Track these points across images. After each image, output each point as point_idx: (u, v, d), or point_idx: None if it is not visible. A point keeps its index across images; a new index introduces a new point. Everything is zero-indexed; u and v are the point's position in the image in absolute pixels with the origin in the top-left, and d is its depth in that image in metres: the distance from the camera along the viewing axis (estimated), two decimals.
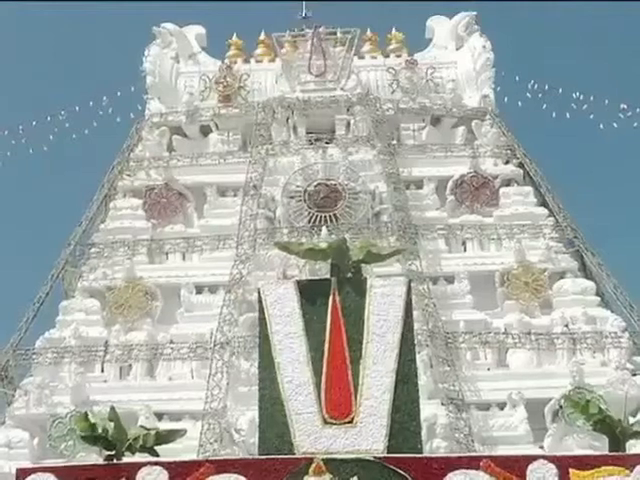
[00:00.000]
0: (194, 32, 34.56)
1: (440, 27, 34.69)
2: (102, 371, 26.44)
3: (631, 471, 11.35)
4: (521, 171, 30.49)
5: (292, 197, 29.01)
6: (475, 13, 34.27)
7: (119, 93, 32.70)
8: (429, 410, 21.08)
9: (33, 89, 61.53)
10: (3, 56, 67.78)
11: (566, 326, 26.30)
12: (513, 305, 26.94)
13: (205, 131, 32.22)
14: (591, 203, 52.01)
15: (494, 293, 27.41)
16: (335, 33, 33.45)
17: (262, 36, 34.60)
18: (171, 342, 26.72)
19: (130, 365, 26.62)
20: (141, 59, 33.06)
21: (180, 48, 33.82)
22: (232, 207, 29.45)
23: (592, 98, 31.33)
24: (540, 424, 24.11)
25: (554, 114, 32.53)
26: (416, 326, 14.87)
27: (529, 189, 29.75)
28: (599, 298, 27.55)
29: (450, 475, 11.34)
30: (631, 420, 12.36)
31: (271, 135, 31.15)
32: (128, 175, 30.82)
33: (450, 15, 34.74)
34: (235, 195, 29.91)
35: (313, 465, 11.36)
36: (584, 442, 18.12)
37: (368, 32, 34.45)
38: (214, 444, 22.90)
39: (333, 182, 29.12)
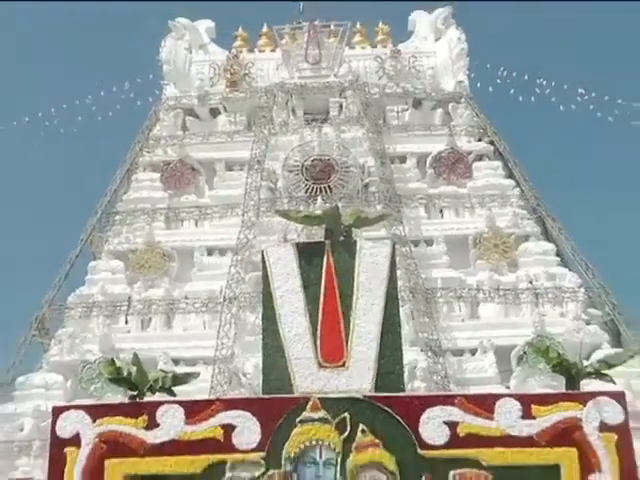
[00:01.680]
0: (204, 26, 34.37)
1: (421, 21, 34.52)
2: (126, 323, 26.53)
3: (584, 406, 11.46)
4: (492, 147, 30.48)
5: (291, 171, 28.98)
6: (451, 8, 34.07)
7: (139, 80, 32.64)
8: (410, 356, 21.17)
9: (64, 76, 61.43)
10: (39, 47, 67.61)
11: (530, 282, 26.47)
12: (484, 265, 27.03)
13: (214, 113, 32.14)
14: (553, 175, 52.11)
15: (467, 254, 27.49)
16: (329, 26, 33.30)
17: (264, 29, 34.41)
18: (186, 298, 26.81)
19: (150, 318, 26.71)
20: (158, 50, 32.94)
21: (192, 40, 33.67)
22: (238, 180, 29.41)
23: (553, 84, 31.34)
24: (507, 367, 24.29)
25: (521, 98, 32.51)
26: (399, 283, 14.90)
27: (498, 163, 29.79)
28: (559, 258, 27.69)
29: (428, 410, 11.42)
30: (585, 363, 12.42)
31: (272, 116, 31.07)
32: (147, 152, 30.79)
33: (430, 10, 34.50)
34: (241, 169, 29.84)
35: (310, 403, 11.45)
36: (544, 382, 18.17)
37: (358, 25, 34.21)
38: (224, 386, 23.04)
39: (327, 157, 29.09)
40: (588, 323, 25.67)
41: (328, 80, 31.51)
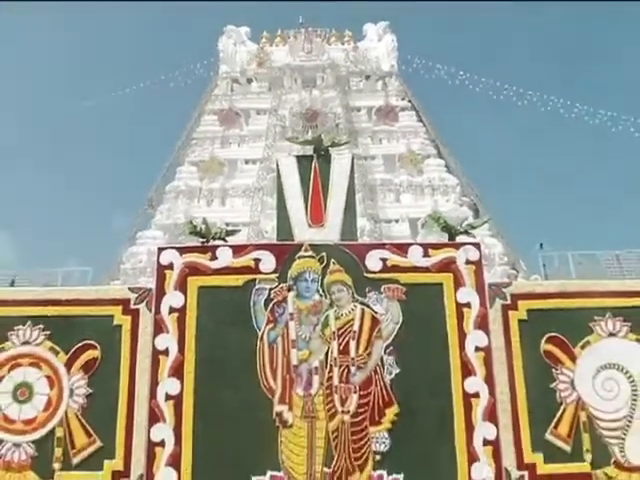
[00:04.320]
0: (244, 30, 33.46)
1: (370, 29, 33.51)
2: (198, 202, 26.63)
3: (458, 250, 11.57)
4: (409, 104, 30.06)
5: (294, 115, 28.62)
6: (388, 22, 33.06)
7: (205, 61, 31.99)
8: (361, 222, 21.01)
9: (158, 61, 59.43)
10: (121, 39, 64.66)
11: (429, 182, 26.52)
12: (404, 172, 27.04)
13: (249, 81, 31.56)
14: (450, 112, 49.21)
15: (395, 164, 27.42)
16: (316, 31, 32.51)
17: (279, 32, 33.51)
18: (233, 188, 26.85)
19: (212, 199, 26.85)
20: (217, 44, 32.19)
21: (236, 37, 32.79)
22: (263, 120, 29.13)
23: (469, 75, 30.47)
24: (415, 231, 24.47)
25: (426, 75, 31.77)
26: (356, 182, 14.63)
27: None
28: (446, 168, 27.66)
29: (370, 252, 11.46)
30: (458, 227, 12.41)
31: (283, 83, 30.49)
32: (210, 104, 30.31)
33: (376, 22, 33.53)
34: (265, 114, 29.53)
35: (303, 247, 11.51)
36: (436, 237, 18.37)
37: (333, 31, 33.31)
38: (254, 239, 23.18)
39: (315, 107, 28.74)
40: (461, 205, 25.81)
41: (316, 63, 30.84)
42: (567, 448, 10.63)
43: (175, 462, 10.39)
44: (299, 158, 12.72)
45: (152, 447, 10.46)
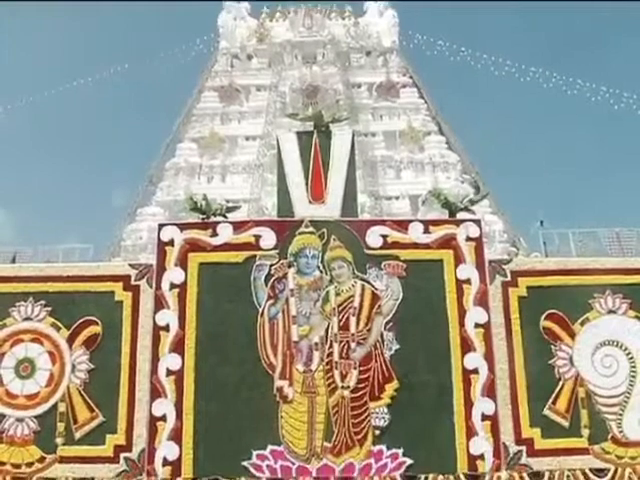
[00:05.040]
0: (244, 5, 33.08)
1: (371, 5, 33.17)
2: (198, 179, 26.53)
3: (458, 227, 11.59)
4: (411, 80, 29.83)
5: (294, 91, 28.43)
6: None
7: (205, 37, 31.66)
8: (361, 199, 20.92)
9: (163, 38, 58.80)
10: (121, 17, 64.00)
11: (430, 159, 26.46)
12: (404, 148, 26.98)
13: (249, 57, 31.22)
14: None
15: (396, 141, 27.31)
16: (317, 6, 32.15)
17: (279, 8, 33.14)
18: (233, 165, 26.77)
19: (212, 176, 26.78)
20: (216, 20, 31.82)
21: (236, 13, 32.40)
22: (263, 96, 28.94)
23: (470, 51, 30.01)
24: (415, 208, 24.44)
25: (428, 52, 31.34)
26: (356, 158, 14.50)
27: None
28: (447, 145, 27.52)
29: (371, 228, 11.48)
30: (459, 205, 12.37)
31: (284, 59, 30.23)
32: (210, 80, 30.06)
33: None
34: (265, 90, 29.32)
35: (304, 223, 11.52)
36: (437, 214, 18.33)
37: (334, 7, 32.94)
38: (254, 216, 23.12)
39: (315, 83, 28.54)
40: (462, 182, 25.76)
41: (316, 38, 30.50)
42: (565, 423, 10.75)
43: (177, 436, 10.53)
44: (299, 134, 12.64)
45: (154, 422, 10.59)
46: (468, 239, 11.42)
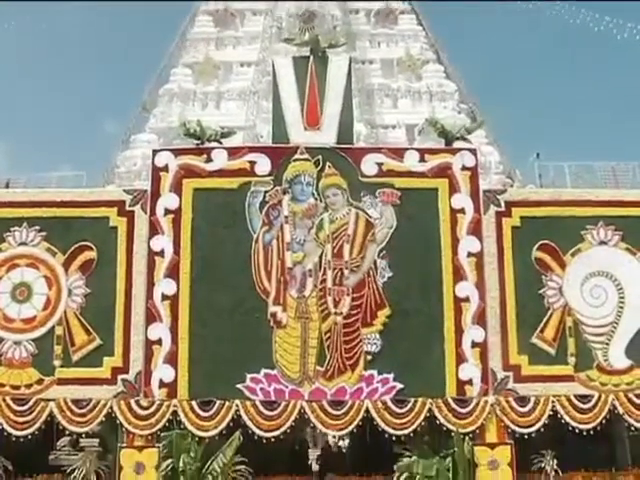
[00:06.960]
0: None
1: None
2: (193, 105, 26.01)
3: (454, 155, 11.57)
4: (409, 7, 28.94)
5: (291, 16, 27.63)
6: None
7: None
8: (357, 127, 20.67)
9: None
10: None
11: (428, 88, 25.90)
12: (402, 77, 26.40)
13: None
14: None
15: (393, 69, 26.72)
16: None
17: None
18: (228, 91, 26.21)
19: (207, 103, 25.91)
20: None
21: None
22: (259, 21, 27.96)
23: None
24: (412, 136, 24.09)
25: None
26: (353, 86, 14.12)
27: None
28: (445, 74, 26.84)
29: (366, 156, 11.46)
30: (456, 134, 12.18)
31: None
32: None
33: None
34: (261, 15, 28.41)
35: (299, 149, 11.45)
36: (433, 143, 18.14)
37: None
38: (249, 143, 22.83)
39: (312, 9, 27.66)
40: (459, 113, 25.40)
41: None
42: (552, 351, 11.01)
43: (172, 360, 10.76)
44: (295, 59, 12.41)
45: (150, 345, 10.79)
46: (463, 168, 11.41)
